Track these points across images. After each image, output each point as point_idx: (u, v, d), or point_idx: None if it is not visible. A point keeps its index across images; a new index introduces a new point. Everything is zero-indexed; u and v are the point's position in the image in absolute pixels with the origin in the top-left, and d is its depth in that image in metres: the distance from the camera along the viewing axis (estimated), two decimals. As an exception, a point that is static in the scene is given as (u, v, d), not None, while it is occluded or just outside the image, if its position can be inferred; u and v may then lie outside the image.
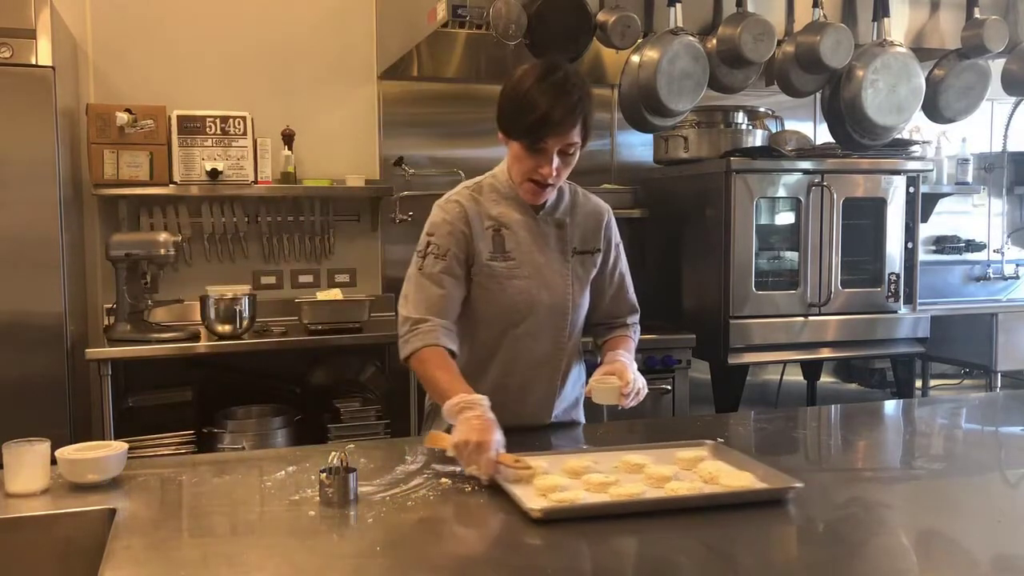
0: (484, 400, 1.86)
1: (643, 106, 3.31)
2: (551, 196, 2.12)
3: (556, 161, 1.97)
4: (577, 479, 1.73)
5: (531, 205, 2.11)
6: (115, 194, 3.58)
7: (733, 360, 3.66)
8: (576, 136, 1.97)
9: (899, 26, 3.59)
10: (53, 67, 3.06)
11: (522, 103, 1.93)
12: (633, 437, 2.30)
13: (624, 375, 2.02)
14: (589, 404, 2.27)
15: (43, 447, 1.73)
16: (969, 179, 4.70)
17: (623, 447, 1.95)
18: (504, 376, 2.11)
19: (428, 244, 2.07)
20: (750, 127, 3.99)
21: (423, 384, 2.04)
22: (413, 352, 2.00)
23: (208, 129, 3.61)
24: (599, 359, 2.24)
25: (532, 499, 1.60)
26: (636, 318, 2.33)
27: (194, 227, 3.80)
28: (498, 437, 1.77)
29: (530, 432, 2.08)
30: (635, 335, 2.30)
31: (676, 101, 3.26)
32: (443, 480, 1.78)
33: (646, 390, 2.07)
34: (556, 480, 1.69)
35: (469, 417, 1.79)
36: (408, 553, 1.47)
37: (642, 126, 3.43)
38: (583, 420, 2.32)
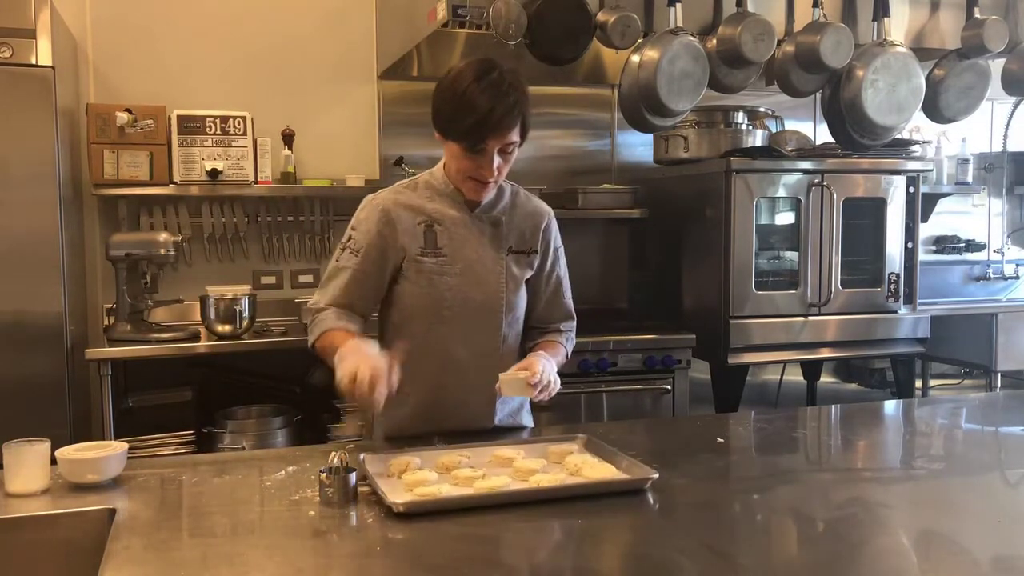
0: (368, 346, 1.91)
1: (643, 106, 3.31)
2: (491, 194, 2.13)
3: (496, 160, 1.99)
4: (447, 474, 1.76)
5: (466, 202, 2.11)
6: (115, 194, 3.58)
7: (733, 360, 3.66)
8: (515, 136, 1.98)
9: (899, 26, 3.59)
10: (53, 67, 3.06)
11: (460, 105, 1.94)
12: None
13: (533, 367, 1.98)
14: (539, 409, 2.29)
15: (43, 447, 1.73)
16: (969, 179, 4.70)
17: (499, 443, 1.98)
18: (442, 374, 2.11)
19: (349, 238, 2.12)
20: (750, 127, 3.99)
21: (329, 360, 2.07)
22: (316, 340, 2.06)
23: (208, 129, 3.60)
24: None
25: (398, 494, 1.63)
26: (571, 325, 2.30)
27: (194, 227, 3.80)
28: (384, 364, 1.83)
29: (472, 436, 2.07)
30: (568, 342, 2.27)
31: (676, 101, 3.26)
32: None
33: (558, 386, 2.03)
34: (425, 475, 1.72)
35: (345, 358, 1.86)
36: (408, 553, 1.47)
37: (642, 126, 3.43)
38: (531, 424, 2.30)
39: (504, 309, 2.13)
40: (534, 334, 2.27)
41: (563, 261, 2.27)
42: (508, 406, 2.22)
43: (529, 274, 2.19)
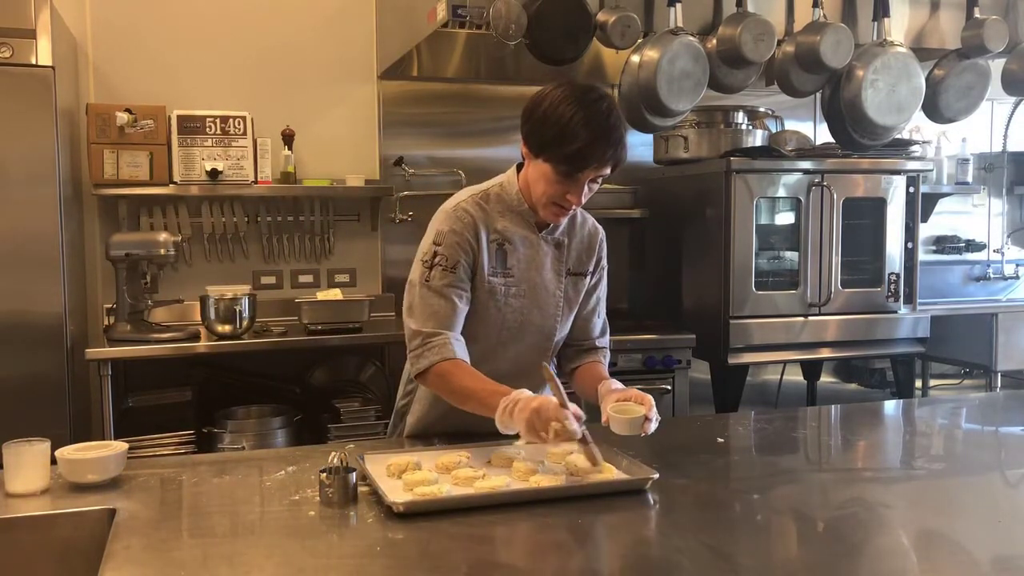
0: (525, 391, 1.84)
1: (643, 106, 3.30)
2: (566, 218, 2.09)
3: (585, 188, 1.96)
4: (447, 474, 1.76)
5: (535, 222, 2.08)
6: (115, 194, 3.58)
7: (733, 360, 3.66)
8: (609, 168, 1.95)
9: (899, 26, 3.59)
10: (53, 67, 3.06)
11: (564, 131, 1.88)
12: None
13: (646, 401, 1.88)
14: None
15: (43, 447, 1.73)
16: (969, 179, 4.70)
17: (499, 443, 1.96)
18: None
19: (435, 255, 2.00)
20: (750, 127, 3.99)
21: (448, 396, 2.01)
22: (429, 366, 1.97)
23: (208, 129, 3.60)
24: (567, 379, 2.20)
25: (398, 494, 1.63)
26: (605, 341, 2.26)
27: (194, 227, 3.80)
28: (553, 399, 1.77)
29: (501, 436, 2.05)
30: (605, 359, 2.23)
31: (676, 101, 3.26)
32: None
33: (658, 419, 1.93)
34: (425, 475, 1.72)
35: (519, 403, 1.79)
36: (408, 553, 1.47)
37: (642, 126, 3.43)
38: None
39: (558, 333, 2.13)
40: (569, 353, 2.23)
41: (605, 279, 2.24)
42: None
43: (581, 296, 2.17)
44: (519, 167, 2.09)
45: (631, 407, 1.88)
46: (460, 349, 1.98)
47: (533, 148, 1.97)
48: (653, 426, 1.86)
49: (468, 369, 1.97)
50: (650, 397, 1.90)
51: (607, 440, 1.95)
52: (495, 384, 1.91)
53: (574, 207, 1.99)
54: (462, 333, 2.05)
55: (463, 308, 2.02)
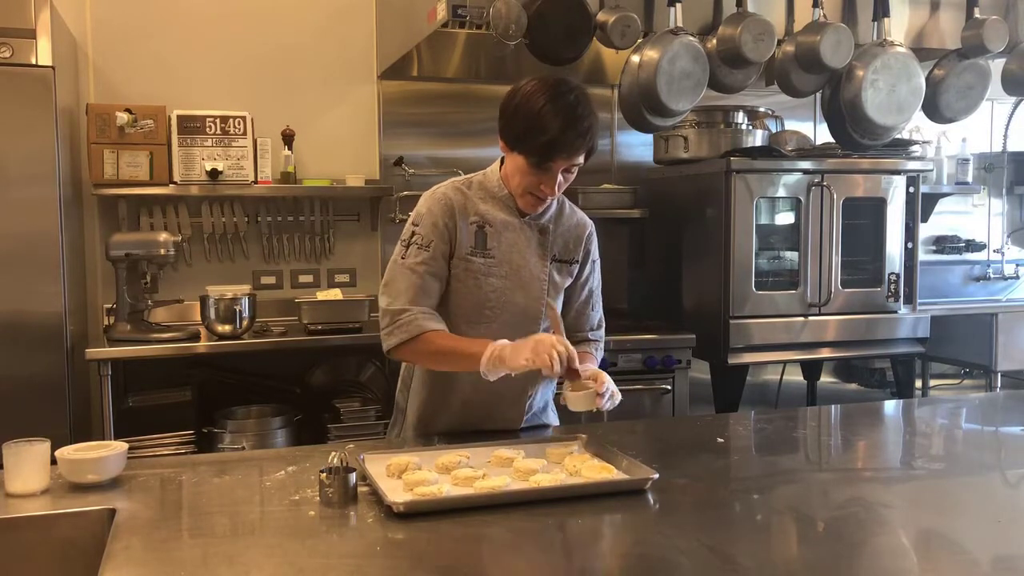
0: (503, 340, 1.93)
1: (643, 106, 3.30)
2: (544, 208, 2.14)
3: (559, 179, 2.01)
4: (447, 474, 1.77)
5: (517, 207, 2.13)
6: (115, 194, 3.58)
7: (733, 360, 3.66)
8: (581, 158, 2.01)
9: (899, 26, 3.59)
10: (53, 67, 3.06)
11: (533, 123, 1.95)
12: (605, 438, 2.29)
13: (599, 378, 1.97)
14: (564, 407, 2.29)
15: (43, 447, 1.73)
16: (969, 179, 4.70)
17: (499, 443, 1.98)
18: (476, 375, 2.09)
19: (412, 234, 2.10)
20: (750, 127, 3.99)
21: (426, 362, 2.10)
22: (400, 343, 2.03)
23: (208, 129, 3.60)
24: None
25: (398, 494, 1.64)
26: (599, 335, 2.31)
27: (194, 227, 3.80)
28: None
29: (500, 435, 2.08)
30: (597, 352, 2.27)
31: (676, 101, 3.26)
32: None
33: (619, 396, 2.00)
34: (425, 475, 1.73)
35: (507, 346, 1.91)
36: (408, 553, 1.47)
37: (642, 126, 3.43)
38: (556, 422, 2.32)
39: (544, 315, 2.14)
40: None
41: (598, 274, 2.29)
42: (535, 407, 2.24)
43: (568, 283, 2.21)
44: (503, 161, 2.14)
45: (586, 383, 1.96)
46: (430, 322, 2.04)
47: (508, 142, 2.04)
48: (606, 401, 1.93)
49: (441, 333, 2.03)
50: (604, 375, 1.98)
51: (607, 440, 1.95)
52: (471, 339, 2.01)
53: (549, 198, 2.06)
54: (443, 309, 2.11)
55: (435, 286, 2.08)
